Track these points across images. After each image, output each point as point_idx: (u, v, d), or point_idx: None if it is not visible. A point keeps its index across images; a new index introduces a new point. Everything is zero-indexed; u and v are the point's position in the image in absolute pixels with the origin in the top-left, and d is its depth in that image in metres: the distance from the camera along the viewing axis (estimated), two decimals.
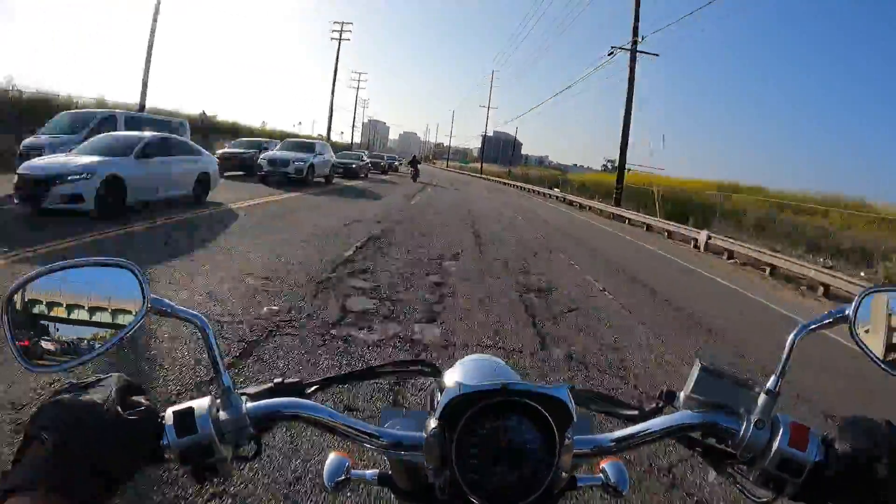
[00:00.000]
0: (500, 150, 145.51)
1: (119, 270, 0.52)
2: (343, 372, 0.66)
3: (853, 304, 0.55)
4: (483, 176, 52.19)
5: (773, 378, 0.54)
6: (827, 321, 0.55)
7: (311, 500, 2.02)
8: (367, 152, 35.03)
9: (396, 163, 41.00)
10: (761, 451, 0.53)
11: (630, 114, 21.26)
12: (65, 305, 0.51)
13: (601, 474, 0.69)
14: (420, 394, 2.93)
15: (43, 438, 0.43)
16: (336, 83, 45.06)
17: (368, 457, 2.07)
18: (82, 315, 0.51)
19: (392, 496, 0.68)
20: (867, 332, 0.56)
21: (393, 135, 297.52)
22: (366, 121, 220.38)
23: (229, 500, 1.97)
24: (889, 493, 0.48)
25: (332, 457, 0.71)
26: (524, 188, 34.97)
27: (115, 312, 0.51)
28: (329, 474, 0.69)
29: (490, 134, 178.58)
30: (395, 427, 0.60)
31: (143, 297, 0.51)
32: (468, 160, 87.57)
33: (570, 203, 24.58)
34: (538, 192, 31.40)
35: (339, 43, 44.99)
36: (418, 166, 29.23)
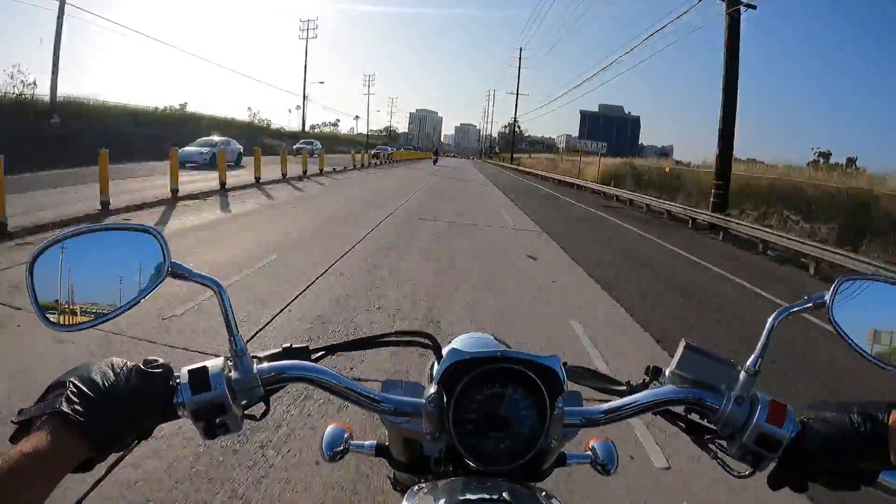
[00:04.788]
0: (612, 133, 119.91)
1: (142, 235, 0.54)
2: (347, 340, 0.67)
3: (831, 290, 0.56)
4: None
5: (752, 357, 0.56)
6: (806, 305, 0.57)
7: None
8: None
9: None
10: (740, 426, 0.55)
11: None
12: (87, 268, 0.53)
13: (590, 452, 0.73)
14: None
15: (68, 381, 0.46)
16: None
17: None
18: (104, 277, 0.53)
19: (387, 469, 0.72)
20: (844, 316, 0.56)
21: (448, 128, 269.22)
22: (413, 111, 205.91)
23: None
24: (858, 473, 0.50)
25: (330, 427, 0.74)
26: None
27: (136, 275, 0.53)
28: (327, 444, 0.72)
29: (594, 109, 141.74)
30: (396, 395, 0.61)
31: (164, 261, 0.53)
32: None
33: None
34: None
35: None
36: (438, 156, 45.02)
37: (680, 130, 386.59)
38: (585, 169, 26.52)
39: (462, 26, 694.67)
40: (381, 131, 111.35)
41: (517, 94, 56.88)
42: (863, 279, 0.58)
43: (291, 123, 54.29)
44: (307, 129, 58.84)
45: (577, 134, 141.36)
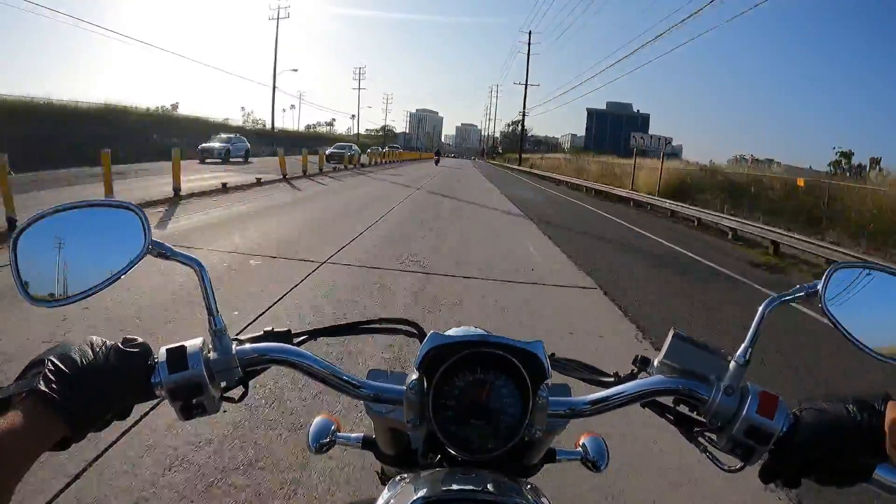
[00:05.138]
0: (620, 132, 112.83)
1: (124, 212, 0.54)
2: (329, 326, 0.66)
3: (823, 279, 0.55)
4: None
5: (742, 347, 0.55)
6: (798, 294, 0.55)
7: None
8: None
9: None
10: (730, 418, 0.53)
11: None
12: (69, 244, 0.53)
13: (581, 449, 0.71)
14: None
15: (46, 359, 0.46)
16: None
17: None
18: (86, 253, 0.53)
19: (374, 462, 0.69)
20: (837, 306, 0.55)
21: (449, 128, 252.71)
22: (413, 111, 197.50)
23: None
24: (852, 468, 0.49)
25: (317, 419, 0.73)
26: None
27: (116, 252, 0.53)
28: (314, 436, 0.70)
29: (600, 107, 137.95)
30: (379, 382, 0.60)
31: (145, 239, 0.53)
32: None
33: None
34: None
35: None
36: (439, 156, 41.81)
37: (683, 130, 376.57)
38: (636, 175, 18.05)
39: (463, 27, 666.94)
40: (377, 130, 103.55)
41: (526, 84, 49.81)
42: (856, 268, 0.57)
43: (286, 123, 48.64)
44: (303, 128, 54.26)
45: (581, 133, 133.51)
